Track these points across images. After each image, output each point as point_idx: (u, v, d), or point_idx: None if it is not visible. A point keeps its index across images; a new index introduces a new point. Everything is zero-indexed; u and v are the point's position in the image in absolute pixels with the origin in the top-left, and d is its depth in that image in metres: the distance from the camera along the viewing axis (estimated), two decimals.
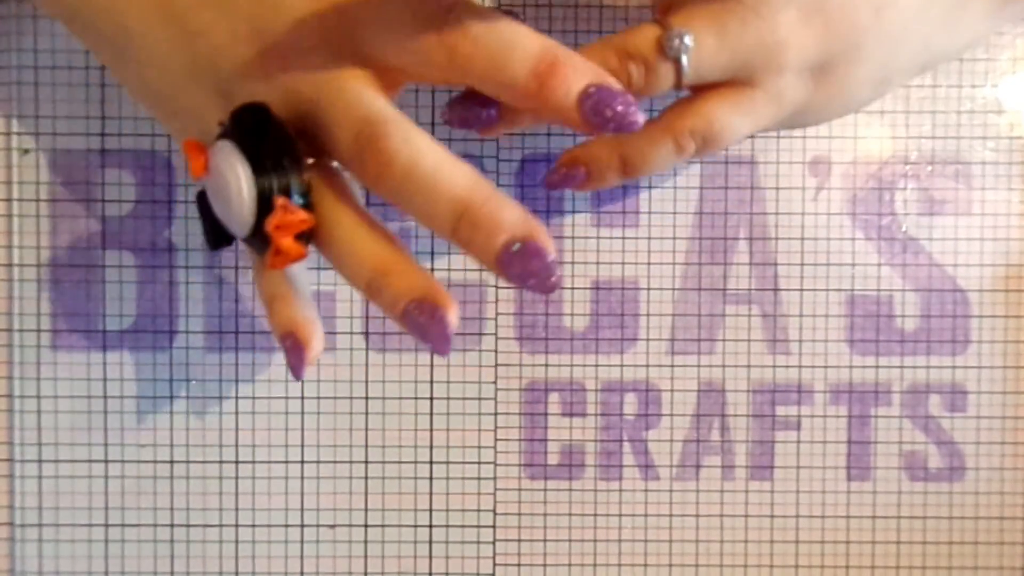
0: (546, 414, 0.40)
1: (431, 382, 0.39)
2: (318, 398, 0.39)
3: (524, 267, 0.27)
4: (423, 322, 0.27)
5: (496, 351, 0.39)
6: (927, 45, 0.32)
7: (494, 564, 0.40)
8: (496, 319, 0.39)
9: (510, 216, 0.27)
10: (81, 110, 0.38)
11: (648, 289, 0.39)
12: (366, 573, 0.40)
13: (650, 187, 0.39)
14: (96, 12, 0.31)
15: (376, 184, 0.28)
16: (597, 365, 0.39)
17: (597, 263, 0.39)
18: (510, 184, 0.39)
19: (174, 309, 0.39)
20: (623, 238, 0.39)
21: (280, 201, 0.28)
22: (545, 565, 0.40)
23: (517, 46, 0.27)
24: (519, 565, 0.40)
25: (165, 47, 0.30)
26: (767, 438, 0.40)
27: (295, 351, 0.31)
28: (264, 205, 0.28)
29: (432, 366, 0.39)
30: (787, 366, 0.40)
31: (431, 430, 0.39)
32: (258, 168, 0.28)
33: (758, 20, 0.29)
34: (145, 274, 0.39)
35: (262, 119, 0.28)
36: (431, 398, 0.39)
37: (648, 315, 0.39)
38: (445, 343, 0.28)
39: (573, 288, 0.39)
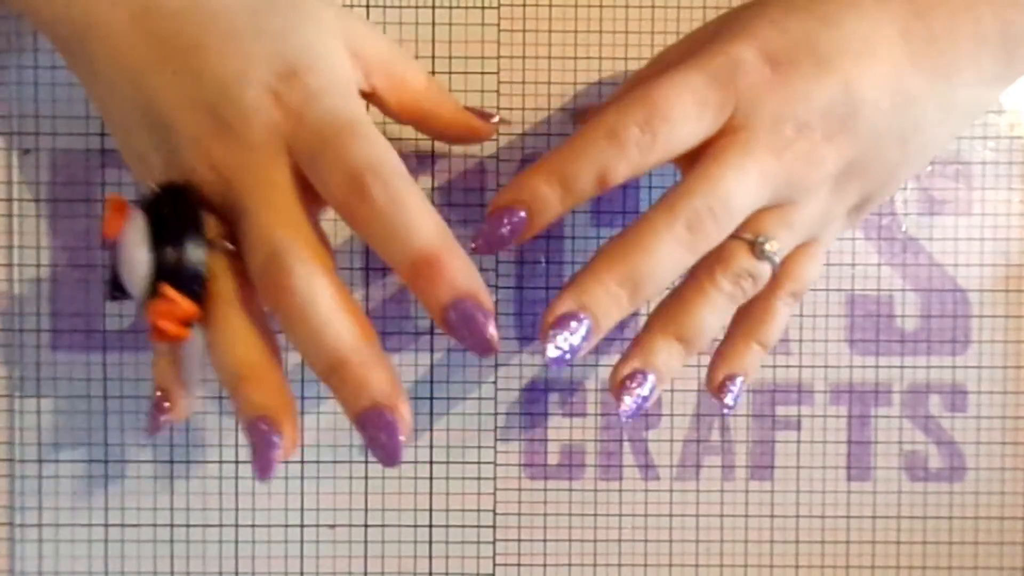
0: (546, 414, 0.40)
1: (431, 382, 0.39)
2: (318, 398, 0.39)
3: (373, 434, 0.28)
4: (256, 440, 0.29)
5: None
6: (949, 141, 0.37)
7: (494, 564, 0.40)
8: (496, 319, 0.39)
9: (377, 381, 0.28)
10: (81, 110, 0.38)
11: None
12: (366, 573, 0.40)
13: (650, 187, 0.39)
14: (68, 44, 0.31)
15: (272, 307, 0.29)
16: (597, 365, 0.39)
17: None
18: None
19: None
20: None
21: (164, 290, 0.28)
22: (545, 565, 0.40)
23: (410, 229, 0.28)
24: (519, 565, 0.40)
25: (128, 90, 0.30)
26: (767, 438, 0.40)
27: (158, 408, 0.33)
28: (154, 286, 0.29)
29: (432, 366, 0.39)
30: (787, 366, 0.40)
31: (431, 430, 0.39)
32: (160, 249, 0.29)
33: (814, 201, 0.31)
34: None
35: (180, 201, 0.29)
36: (431, 398, 0.39)
37: (648, 315, 0.39)
38: (267, 467, 0.29)
39: None
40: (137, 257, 0.29)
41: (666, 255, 0.29)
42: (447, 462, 0.39)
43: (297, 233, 0.28)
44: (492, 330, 0.28)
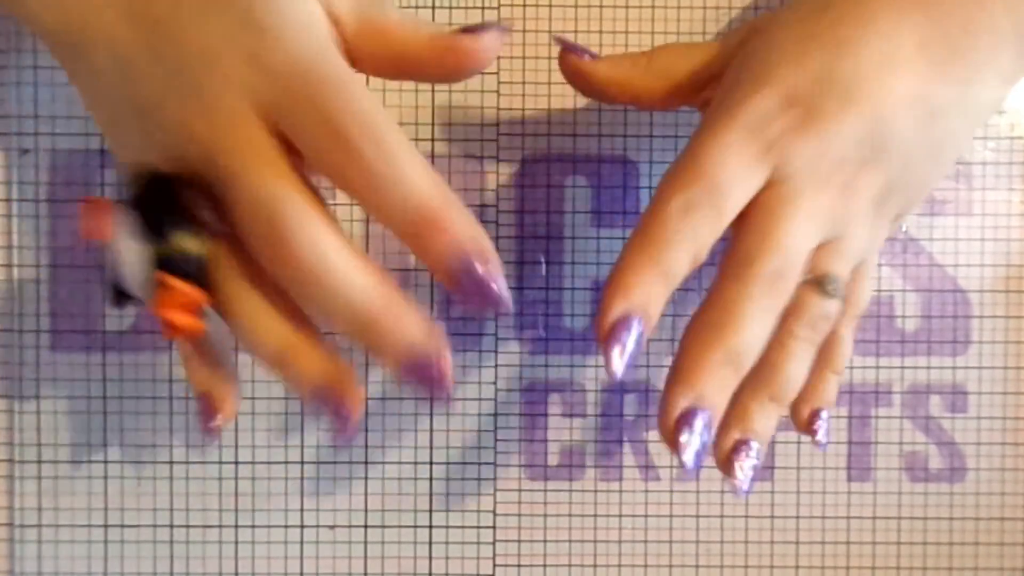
0: (546, 415, 0.40)
1: None
2: None
3: (423, 379, 0.28)
4: (329, 409, 0.29)
5: (496, 351, 0.39)
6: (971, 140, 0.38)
7: (494, 564, 0.40)
8: (496, 319, 0.39)
9: (414, 327, 0.28)
10: (81, 110, 0.38)
11: None
12: (366, 573, 0.40)
13: (650, 187, 0.39)
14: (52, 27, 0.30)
15: (281, 273, 0.28)
16: (597, 365, 0.39)
17: (597, 263, 0.39)
18: (510, 184, 0.39)
19: None
20: (623, 238, 0.39)
21: (162, 279, 0.28)
22: (545, 565, 0.40)
23: (405, 186, 0.27)
24: (519, 565, 0.40)
25: (115, 78, 0.29)
26: None
27: (206, 415, 0.32)
28: (155, 280, 0.28)
29: None
30: None
31: (431, 430, 0.39)
32: (154, 242, 0.28)
33: (860, 228, 0.31)
34: None
35: (166, 191, 0.28)
36: (431, 398, 0.39)
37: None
38: (348, 431, 0.29)
39: (573, 288, 0.39)
40: (131, 255, 0.28)
41: (755, 324, 0.30)
42: (447, 462, 0.39)
43: (291, 185, 0.27)
44: (503, 285, 0.28)
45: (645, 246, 0.30)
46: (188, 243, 0.28)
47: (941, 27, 0.31)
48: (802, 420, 0.35)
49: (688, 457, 0.29)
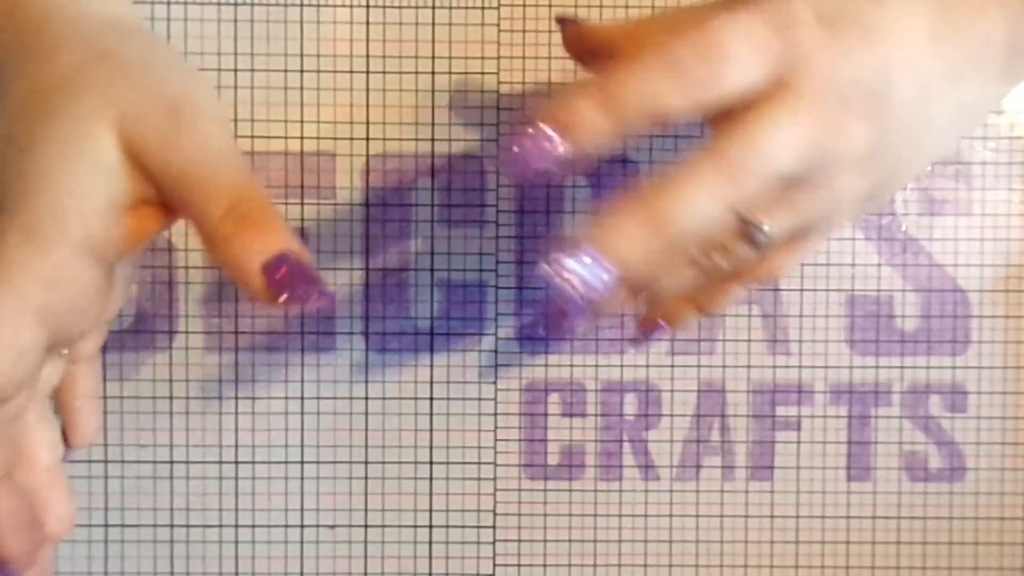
0: (546, 414, 0.40)
1: (431, 382, 0.39)
2: (318, 398, 0.39)
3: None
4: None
5: (496, 351, 0.39)
6: (953, 143, 0.36)
7: (494, 564, 0.40)
8: (496, 319, 0.39)
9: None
10: None
11: None
12: (366, 573, 0.40)
13: None
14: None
15: None
16: (597, 365, 0.39)
17: None
18: (510, 184, 0.39)
19: (174, 309, 0.39)
20: None
21: None
22: (545, 565, 0.40)
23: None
24: (519, 565, 0.40)
25: None
26: (767, 438, 0.40)
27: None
28: None
29: (432, 366, 0.39)
30: (787, 366, 0.39)
31: (431, 430, 0.39)
32: None
33: (829, 184, 0.29)
34: (145, 274, 0.39)
35: None
36: (431, 398, 0.39)
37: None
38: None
39: None
40: None
41: (693, 197, 0.27)
42: (447, 462, 0.39)
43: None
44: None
45: (608, 76, 0.27)
46: None
47: (947, 15, 0.30)
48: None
49: (559, 282, 0.27)
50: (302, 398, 0.39)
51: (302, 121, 0.38)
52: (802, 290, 0.39)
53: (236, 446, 0.39)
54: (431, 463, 0.39)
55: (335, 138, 0.38)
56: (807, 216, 0.30)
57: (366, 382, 0.39)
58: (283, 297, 0.26)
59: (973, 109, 0.33)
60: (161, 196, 0.27)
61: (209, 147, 0.26)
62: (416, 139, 0.38)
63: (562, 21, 0.34)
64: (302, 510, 0.39)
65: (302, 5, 0.38)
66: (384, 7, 0.38)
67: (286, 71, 0.38)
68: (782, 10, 0.28)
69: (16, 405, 0.27)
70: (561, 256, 0.27)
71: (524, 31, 0.38)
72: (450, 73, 0.38)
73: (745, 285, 0.33)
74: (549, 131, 0.27)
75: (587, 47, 0.33)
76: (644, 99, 0.27)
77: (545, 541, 0.40)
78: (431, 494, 0.40)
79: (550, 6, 0.38)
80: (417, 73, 0.38)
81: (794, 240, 0.31)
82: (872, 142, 0.30)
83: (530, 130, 0.27)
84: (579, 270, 0.27)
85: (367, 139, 0.38)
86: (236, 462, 0.39)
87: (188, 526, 0.39)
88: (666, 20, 0.33)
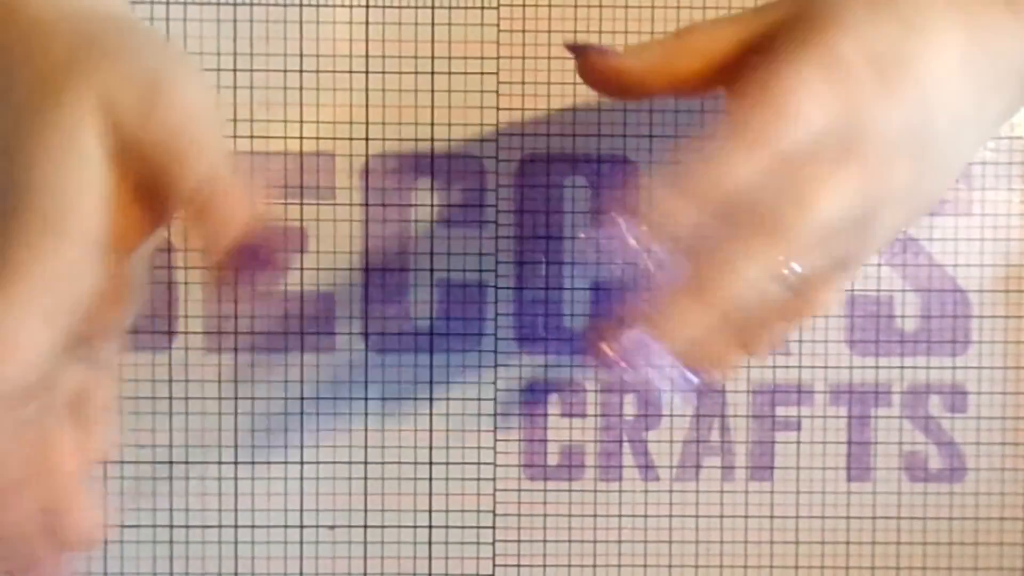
0: (546, 415, 0.40)
1: (431, 382, 0.39)
2: (318, 398, 0.39)
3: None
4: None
5: (496, 351, 0.39)
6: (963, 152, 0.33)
7: (494, 564, 0.40)
8: (496, 319, 0.39)
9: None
10: None
11: None
12: (366, 573, 0.40)
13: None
14: None
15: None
16: (597, 365, 0.39)
17: (597, 263, 0.39)
18: (510, 184, 0.39)
19: (174, 309, 0.39)
20: None
21: None
22: (545, 565, 0.40)
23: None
24: (519, 565, 0.40)
25: None
26: (767, 438, 0.40)
27: None
28: None
29: (432, 366, 0.39)
30: (787, 366, 0.39)
31: (431, 430, 0.39)
32: None
33: (862, 231, 0.29)
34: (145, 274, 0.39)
35: None
36: (431, 398, 0.39)
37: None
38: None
39: (573, 288, 0.39)
40: None
41: (748, 271, 0.27)
42: (447, 463, 0.39)
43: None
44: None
45: (691, 175, 0.27)
46: None
47: (976, 40, 0.30)
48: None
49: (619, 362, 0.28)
50: (302, 398, 0.39)
51: (302, 121, 0.38)
52: None
53: (236, 446, 0.39)
54: (431, 463, 0.39)
55: (335, 138, 0.38)
56: (843, 254, 0.30)
57: (366, 382, 0.39)
58: (244, 273, 0.27)
59: (993, 126, 0.32)
60: (145, 175, 0.27)
61: (186, 117, 0.27)
62: (416, 139, 0.38)
63: (575, 49, 0.32)
64: (302, 510, 0.39)
65: (302, 5, 0.38)
66: (384, 7, 0.38)
67: (286, 71, 0.38)
68: (834, 56, 0.28)
69: (32, 409, 0.28)
70: (621, 342, 0.28)
71: (524, 31, 0.38)
72: (450, 73, 0.38)
73: (790, 322, 0.32)
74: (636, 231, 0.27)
75: (613, 84, 0.32)
76: (722, 177, 0.27)
77: (545, 541, 0.40)
78: (431, 494, 0.40)
79: (550, 6, 0.38)
80: (417, 73, 0.38)
81: (832, 273, 0.31)
82: (915, 178, 0.29)
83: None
84: (638, 356, 0.28)
85: (367, 139, 0.38)
86: (236, 462, 0.39)
87: (188, 526, 0.39)
88: (695, 48, 0.31)
